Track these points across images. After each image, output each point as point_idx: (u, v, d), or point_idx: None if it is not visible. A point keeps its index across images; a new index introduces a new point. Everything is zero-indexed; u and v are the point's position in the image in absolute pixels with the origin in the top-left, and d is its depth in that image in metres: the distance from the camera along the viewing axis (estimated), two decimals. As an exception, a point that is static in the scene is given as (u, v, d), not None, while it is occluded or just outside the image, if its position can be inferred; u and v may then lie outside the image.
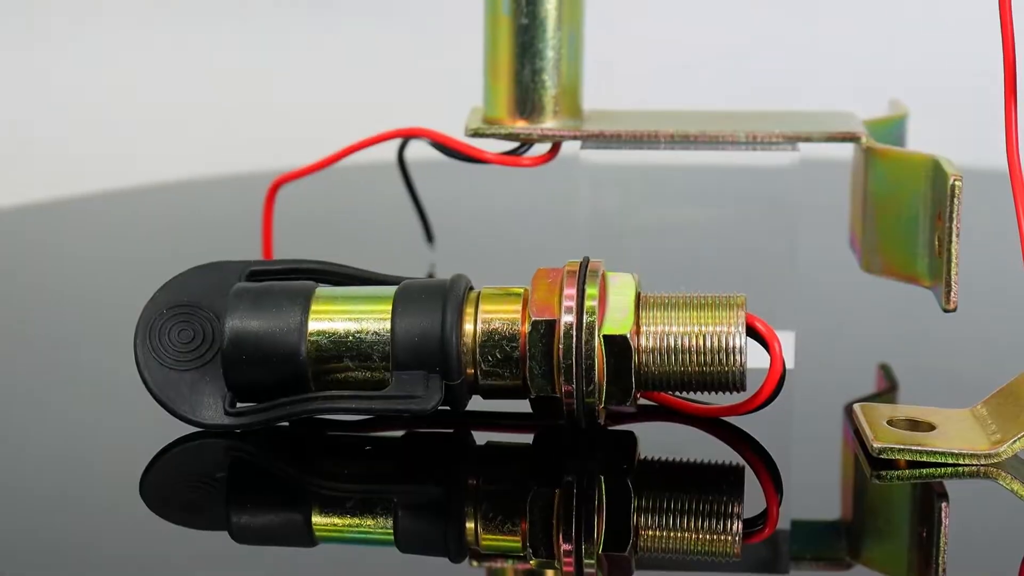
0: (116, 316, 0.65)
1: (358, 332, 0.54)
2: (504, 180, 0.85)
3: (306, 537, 0.50)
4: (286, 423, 0.55)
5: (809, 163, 0.66)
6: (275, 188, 0.69)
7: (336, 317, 0.55)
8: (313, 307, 0.55)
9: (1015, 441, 0.52)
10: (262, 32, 1.11)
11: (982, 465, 0.52)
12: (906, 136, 0.69)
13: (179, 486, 0.53)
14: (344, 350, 0.54)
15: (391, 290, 0.55)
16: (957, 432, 0.53)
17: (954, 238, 0.56)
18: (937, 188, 0.57)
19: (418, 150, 0.71)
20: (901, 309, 0.68)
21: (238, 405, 0.55)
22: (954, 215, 0.56)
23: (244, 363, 0.54)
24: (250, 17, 1.11)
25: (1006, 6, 0.50)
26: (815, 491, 0.53)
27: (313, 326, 0.55)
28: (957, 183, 0.56)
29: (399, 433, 0.56)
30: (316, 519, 0.50)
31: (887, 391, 0.62)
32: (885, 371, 0.63)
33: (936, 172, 0.58)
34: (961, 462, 0.52)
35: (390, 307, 0.54)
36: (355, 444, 0.55)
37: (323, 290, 0.56)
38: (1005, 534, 0.49)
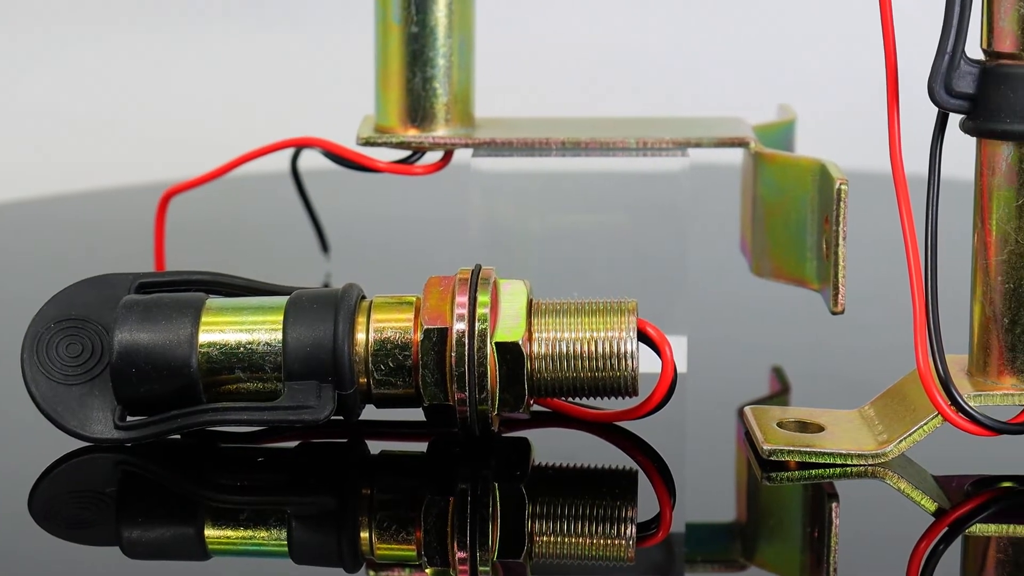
0: (2, 330, 0.65)
1: (249, 343, 0.54)
2: (397, 188, 0.85)
3: (199, 550, 0.49)
4: (177, 436, 0.55)
5: (699, 168, 0.66)
6: (166, 199, 0.68)
7: (227, 328, 0.54)
8: (204, 319, 0.54)
9: (901, 441, 0.52)
10: (154, 41, 1.10)
11: (870, 465, 0.53)
12: (795, 141, 0.70)
13: (69, 502, 0.53)
14: (235, 361, 0.54)
15: (283, 300, 0.55)
16: (845, 433, 0.54)
17: (841, 241, 0.57)
18: (824, 192, 0.58)
19: (312, 159, 0.70)
20: (792, 312, 0.68)
21: (128, 419, 0.54)
22: (841, 219, 0.56)
23: (134, 376, 0.54)
24: (142, 26, 1.10)
25: (887, 12, 0.51)
26: (708, 494, 0.53)
27: (204, 338, 0.54)
28: (843, 187, 0.56)
29: (292, 444, 0.56)
30: (209, 532, 0.50)
31: (779, 393, 0.62)
32: (777, 374, 0.64)
33: (823, 176, 0.58)
34: (849, 462, 0.53)
35: (281, 317, 0.54)
36: (248, 456, 0.55)
37: (214, 301, 0.55)
38: (893, 532, 0.50)
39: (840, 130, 0.97)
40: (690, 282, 0.63)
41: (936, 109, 0.52)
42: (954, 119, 0.52)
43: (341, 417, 0.55)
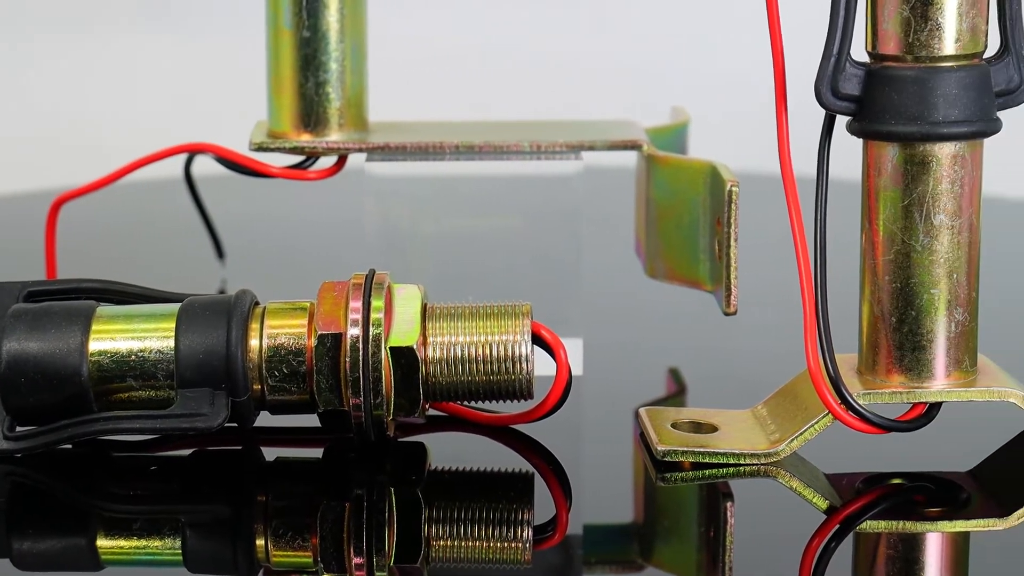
0: None
1: (141, 351, 0.54)
2: (292, 193, 0.85)
3: (92, 561, 0.49)
4: (69, 445, 0.54)
5: (594, 171, 0.67)
6: (57, 206, 0.67)
7: (118, 336, 0.54)
8: (94, 327, 0.54)
9: (793, 440, 0.53)
10: (44, 46, 1.09)
11: (762, 464, 0.53)
12: (687, 143, 0.70)
13: (-42, 514, 0.52)
14: (127, 369, 0.54)
15: (175, 307, 0.55)
16: (739, 433, 0.55)
17: (732, 243, 0.57)
18: (715, 194, 0.59)
19: (205, 165, 0.70)
20: (686, 313, 0.69)
21: (18, 429, 0.54)
22: (732, 220, 0.57)
23: (23, 386, 0.53)
24: (31, 31, 1.09)
25: (774, 15, 0.51)
26: (604, 495, 0.54)
27: (94, 346, 0.54)
28: (734, 189, 0.57)
29: (187, 452, 0.55)
30: (101, 542, 0.50)
31: (674, 395, 0.63)
32: (672, 375, 0.64)
33: (714, 178, 0.59)
34: (742, 462, 0.53)
35: (174, 325, 0.54)
36: (141, 464, 0.55)
37: (105, 309, 0.55)
38: (786, 530, 0.50)
39: (733, 132, 0.98)
40: (585, 284, 0.64)
41: (823, 111, 0.52)
42: (841, 120, 0.53)
43: (235, 424, 0.55)
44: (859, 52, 0.52)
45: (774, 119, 0.53)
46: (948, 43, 0.51)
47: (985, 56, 0.52)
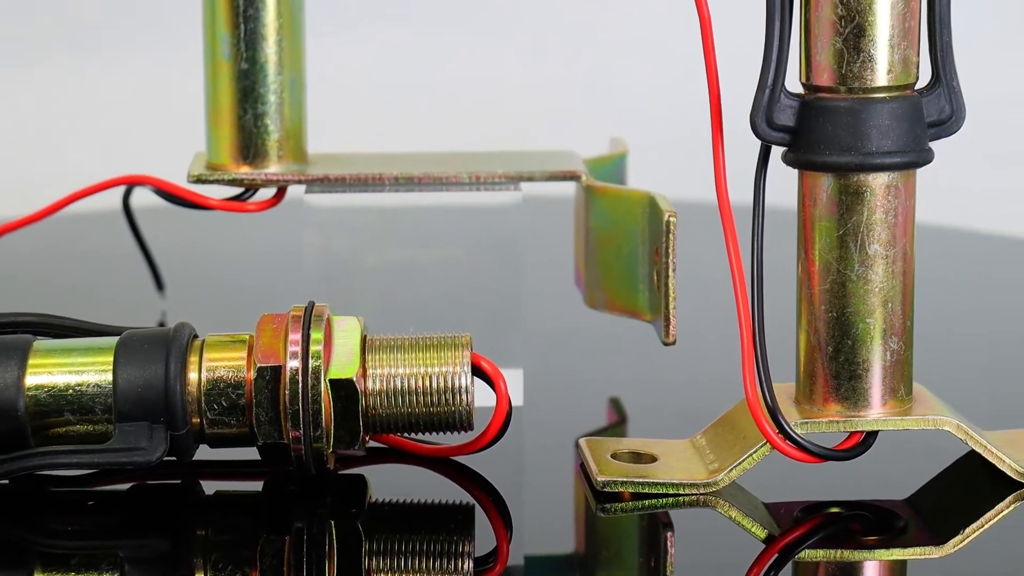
0: None
1: (78, 385, 0.53)
2: (231, 225, 0.85)
3: (28, 597, 0.48)
4: (5, 481, 0.54)
5: (532, 200, 0.67)
6: (-7, 240, 0.67)
7: (55, 370, 0.54)
8: (31, 361, 0.54)
9: (731, 469, 0.53)
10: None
11: (701, 494, 0.53)
12: (626, 173, 0.71)
13: None
14: (64, 404, 0.53)
15: (113, 341, 0.54)
16: (678, 463, 0.55)
17: (671, 273, 0.57)
18: (653, 224, 0.59)
19: (145, 196, 0.70)
20: (626, 343, 0.69)
21: (-46, 465, 0.53)
22: (670, 250, 0.57)
23: (-41, 421, 0.53)
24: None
25: (709, 47, 0.52)
26: (545, 526, 0.54)
27: (31, 380, 0.53)
28: (672, 219, 0.57)
29: (125, 486, 0.55)
30: (38, 578, 0.49)
31: (615, 425, 0.63)
32: (613, 404, 0.64)
33: (652, 208, 0.59)
34: (682, 492, 0.54)
35: (112, 358, 0.54)
36: (79, 499, 0.54)
37: (42, 343, 0.55)
38: (726, 559, 0.51)
39: (671, 161, 0.99)
40: (525, 315, 0.64)
41: (759, 141, 0.53)
42: (777, 151, 0.53)
43: (174, 458, 0.54)
44: (794, 83, 0.53)
45: (711, 149, 0.53)
46: (880, 75, 0.51)
47: (917, 87, 0.52)
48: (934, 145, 0.52)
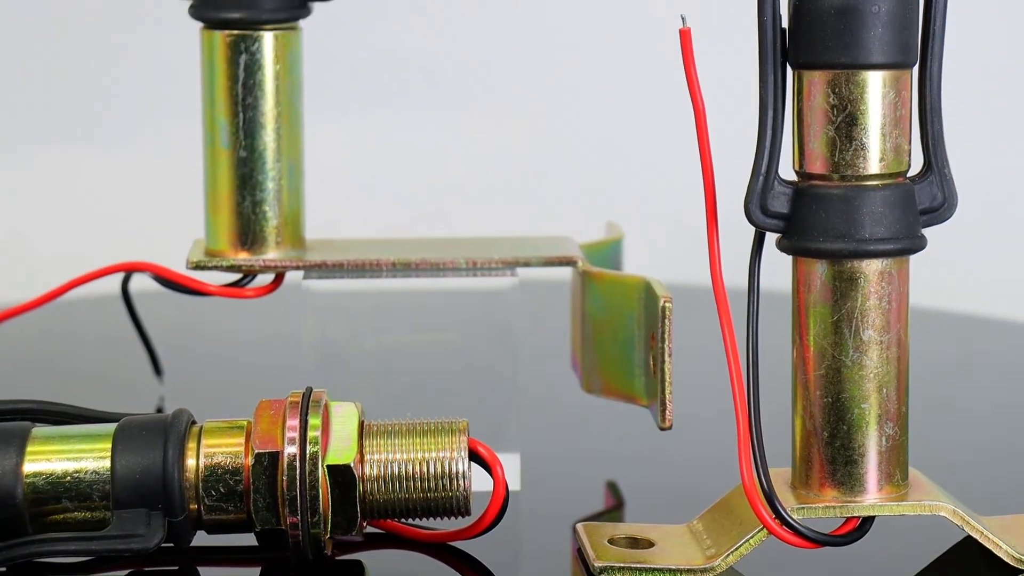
0: None
1: (77, 472, 0.54)
2: (230, 310, 0.85)
3: None
4: (3, 568, 0.54)
5: (530, 284, 0.67)
6: (-7, 326, 0.67)
7: (54, 457, 0.54)
8: (29, 448, 0.54)
9: (728, 555, 0.53)
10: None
11: (699, 580, 0.54)
12: (622, 258, 0.71)
13: None
14: (63, 491, 0.53)
15: (111, 427, 0.55)
16: (675, 548, 0.55)
17: (667, 358, 0.58)
18: (649, 309, 0.59)
19: (143, 281, 0.70)
20: (623, 428, 0.69)
21: (-48, 552, 0.53)
22: (666, 336, 0.58)
23: (-43, 509, 0.53)
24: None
25: (703, 135, 0.52)
26: (542, 612, 0.54)
27: (29, 468, 0.53)
28: (667, 305, 0.58)
29: (123, 573, 0.55)
30: (35, 667, 0.49)
31: (613, 509, 0.63)
32: (611, 489, 0.65)
33: (648, 294, 0.60)
34: (678, 577, 0.54)
35: (110, 445, 0.54)
36: (76, 587, 0.54)
37: (40, 430, 0.55)
38: (723, 646, 0.51)
39: (668, 244, 0.99)
40: (522, 399, 0.64)
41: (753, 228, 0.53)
42: (771, 236, 0.54)
43: (171, 544, 0.54)
44: (787, 171, 0.53)
45: (706, 234, 0.54)
46: (873, 163, 0.52)
47: (909, 175, 0.53)
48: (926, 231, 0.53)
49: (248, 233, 0.63)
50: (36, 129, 1.10)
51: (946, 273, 0.99)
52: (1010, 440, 0.70)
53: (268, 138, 0.63)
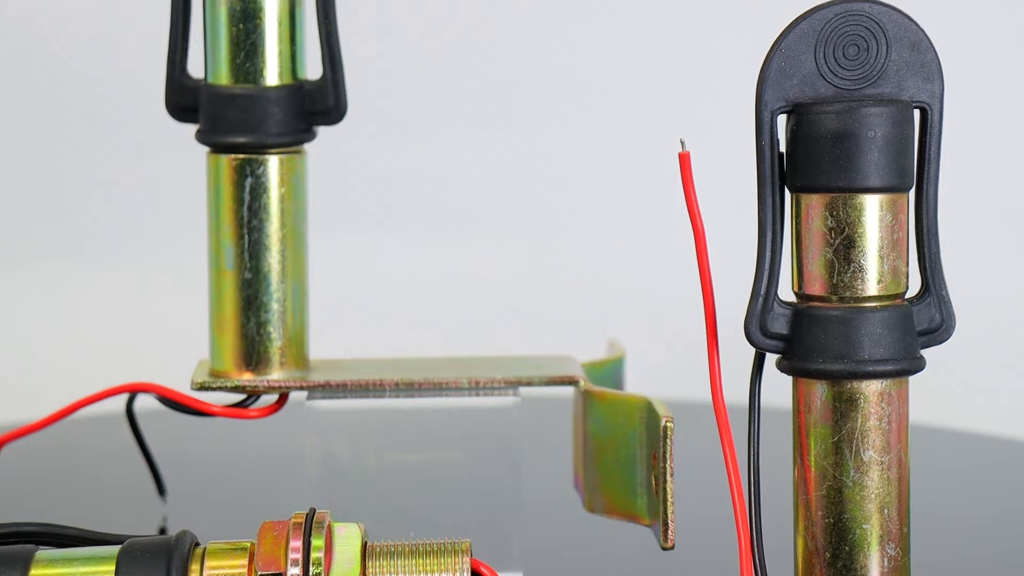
0: None
1: (80, 595, 0.54)
2: (234, 431, 0.85)
3: None
4: None
5: (532, 402, 0.68)
6: (-3, 447, 0.68)
7: (58, 581, 0.54)
8: (33, 571, 0.54)
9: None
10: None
11: None
12: (624, 376, 0.71)
13: None
14: (66, 614, 0.53)
15: (115, 550, 0.55)
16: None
17: (669, 477, 0.58)
18: (651, 429, 0.60)
19: (147, 401, 0.70)
20: (626, 547, 0.69)
21: (-46, 677, 0.53)
22: (667, 455, 0.58)
23: (-41, 634, 0.53)
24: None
25: (703, 257, 0.53)
26: None
27: (33, 591, 0.54)
28: (669, 424, 0.58)
29: None
30: None
31: (615, 628, 0.63)
32: (613, 608, 0.65)
33: (649, 413, 0.60)
34: None
35: (113, 567, 0.54)
36: None
37: (44, 553, 0.55)
38: None
39: (670, 361, 1.00)
40: (525, 519, 0.64)
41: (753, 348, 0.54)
42: (771, 357, 0.54)
43: (175, 667, 0.54)
44: (786, 292, 0.54)
45: (706, 354, 0.54)
46: (871, 284, 0.52)
47: (907, 296, 0.54)
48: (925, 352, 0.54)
49: (252, 354, 0.64)
50: (40, 246, 1.11)
51: (941, 386, 1.00)
52: (1015, 563, 0.69)
53: (273, 260, 0.64)
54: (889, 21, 0.53)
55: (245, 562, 0.54)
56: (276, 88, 0.63)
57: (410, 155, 1.09)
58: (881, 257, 0.52)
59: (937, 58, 0.53)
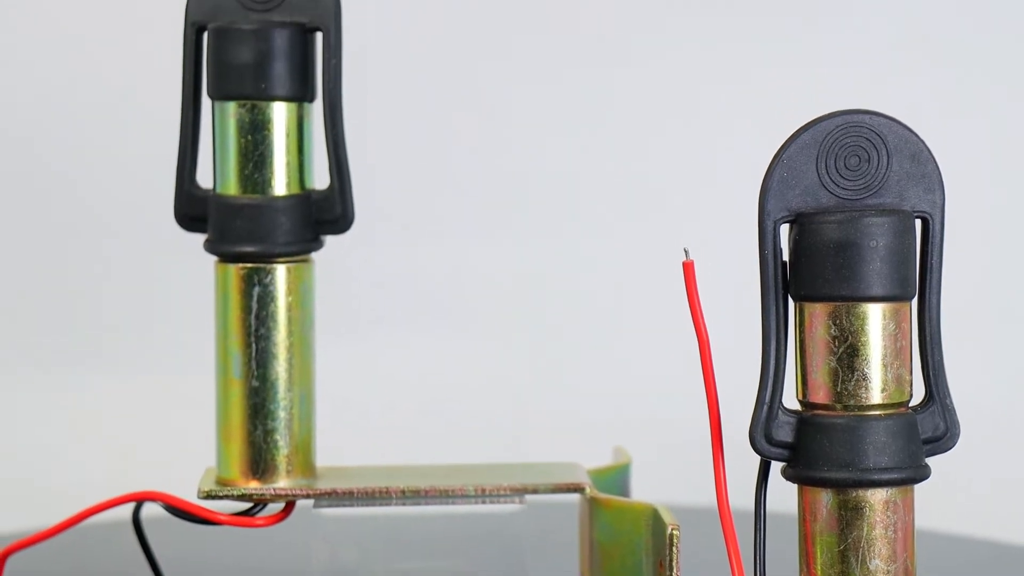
0: None
1: None
2: (241, 539, 0.85)
3: None
4: None
5: (538, 508, 0.68)
6: (5, 557, 0.67)
7: None
8: None
9: None
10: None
11: None
12: (630, 483, 0.71)
13: None
14: None
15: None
16: None
17: (675, 585, 0.58)
18: (657, 537, 0.60)
19: (155, 508, 0.70)
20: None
21: None
22: (674, 563, 0.58)
23: None
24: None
25: (707, 365, 0.53)
26: None
27: None
28: (675, 532, 0.58)
29: None
30: None
31: None
32: None
33: (655, 521, 0.60)
34: None
35: None
36: None
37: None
38: None
39: (675, 467, 1.00)
40: (531, 626, 0.64)
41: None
42: (777, 464, 0.54)
43: None
44: (791, 399, 0.54)
45: (711, 460, 0.54)
46: (875, 393, 0.53)
47: (911, 404, 0.54)
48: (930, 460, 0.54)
49: (259, 462, 0.64)
50: (44, 352, 1.11)
51: (944, 494, 0.99)
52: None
53: (280, 368, 0.64)
54: (890, 132, 0.53)
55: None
56: (284, 198, 0.64)
57: (413, 259, 1.09)
58: (885, 365, 0.53)
59: (937, 169, 0.54)
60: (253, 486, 0.64)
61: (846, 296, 0.53)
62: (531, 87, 1.04)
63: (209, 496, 0.64)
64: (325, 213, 0.65)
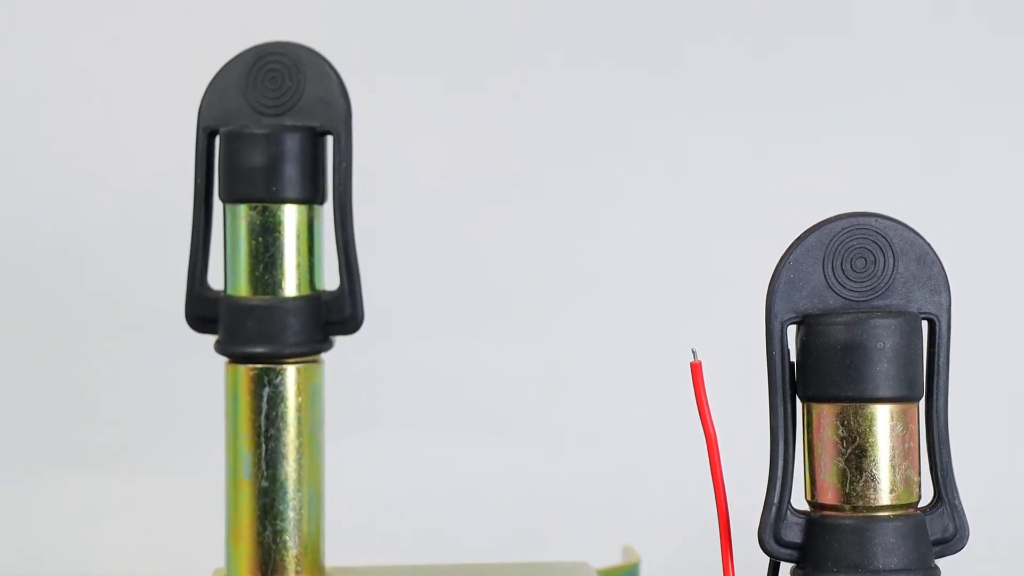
0: None
1: None
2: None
3: None
4: None
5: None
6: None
7: None
8: None
9: None
10: None
11: None
12: (639, 582, 0.71)
13: None
14: None
15: None
16: None
17: None
18: (667, 638, 0.60)
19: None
20: None
21: None
22: (683, 666, 0.58)
23: None
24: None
25: (716, 465, 0.54)
26: None
27: None
28: (684, 634, 0.58)
29: None
30: None
31: None
32: None
33: (665, 622, 0.60)
34: None
35: None
36: None
37: None
38: None
39: (685, 568, 0.99)
40: None
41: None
42: (786, 565, 0.54)
43: None
44: (799, 500, 0.54)
45: (720, 558, 0.54)
46: (883, 494, 0.53)
47: (920, 505, 0.54)
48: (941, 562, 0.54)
49: (268, 563, 0.64)
50: (53, 452, 1.11)
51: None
52: None
53: (290, 468, 0.64)
54: (895, 235, 0.54)
55: None
56: (294, 299, 0.64)
57: (415, 358, 1.09)
58: (893, 467, 0.53)
59: (943, 271, 0.54)
60: (261, 589, 0.64)
61: (853, 397, 0.53)
62: (537, 185, 1.05)
63: (217, 597, 0.64)
64: (335, 314, 0.65)
